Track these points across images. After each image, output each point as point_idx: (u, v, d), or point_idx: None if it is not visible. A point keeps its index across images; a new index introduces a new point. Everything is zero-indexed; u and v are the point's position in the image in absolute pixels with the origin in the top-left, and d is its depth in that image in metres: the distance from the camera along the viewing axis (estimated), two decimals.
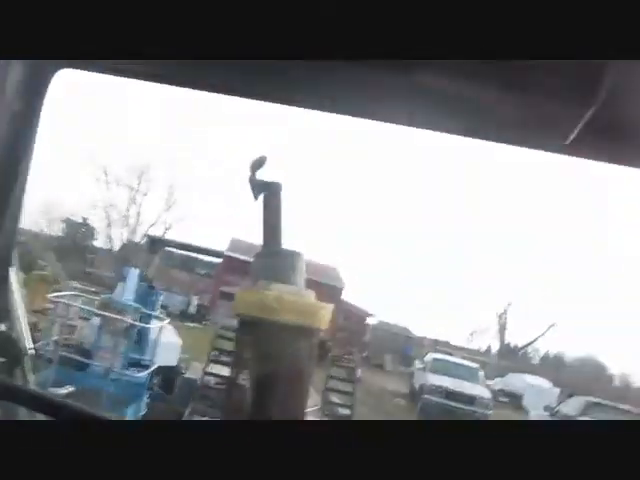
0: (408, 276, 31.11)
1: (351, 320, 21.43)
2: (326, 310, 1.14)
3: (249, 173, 1.42)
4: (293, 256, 1.34)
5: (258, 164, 1.36)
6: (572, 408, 10.22)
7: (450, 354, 19.11)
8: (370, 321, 24.94)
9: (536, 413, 11.84)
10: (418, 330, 26.23)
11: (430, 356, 15.77)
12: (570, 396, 11.39)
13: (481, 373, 14.96)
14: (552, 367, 26.15)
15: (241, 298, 1.15)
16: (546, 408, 10.43)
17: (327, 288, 19.79)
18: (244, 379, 1.09)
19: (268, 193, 1.39)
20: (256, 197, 1.42)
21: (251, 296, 1.14)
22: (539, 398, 14.48)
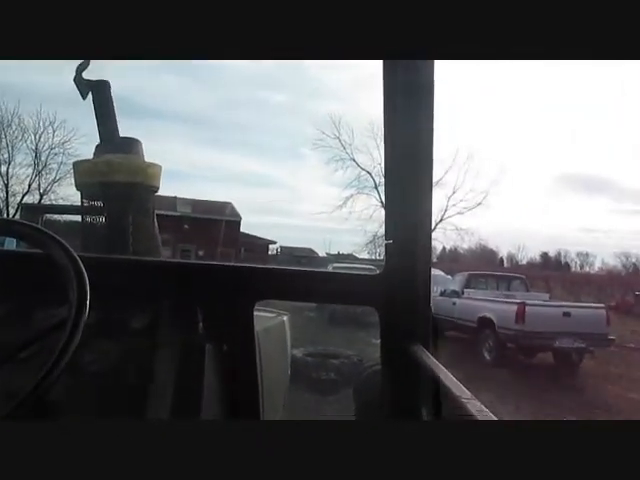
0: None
1: (254, 250, 21.76)
2: (154, 168, 1.36)
3: (75, 75, 1.56)
4: (129, 142, 1.53)
5: (83, 67, 1.51)
6: (457, 283, 11.40)
7: (352, 264, 20.08)
8: (274, 247, 25.43)
9: (433, 296, 13.03)
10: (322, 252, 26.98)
11: (330, 266, 16.59)
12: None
13: None
14: (448, 259, 28.22)
15: (78, 169, 1.35)
16: (441, 293, 11.50)
17: (225, 223, 19.88)
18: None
19: (96, 91, 1.55)
20: (84, 96, 1.58)
21: (85, 165, 1.34)
22: (435, 285, 15.89)
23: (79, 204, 1.49)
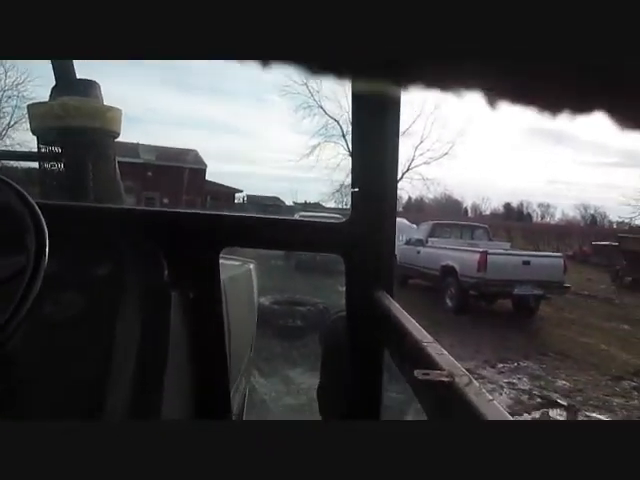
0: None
1: (219, 198, 21.52)
2: (114, 112, 1.31)
3: None
4: (86, 84, 1.46)
5: None
6: (422, 232, 11.60)
7: (319, 213, 20.12)
8: (240, 196, 25.21)
9: (398, 245, 13.27)
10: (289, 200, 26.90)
11: (297, 215, 16.62)
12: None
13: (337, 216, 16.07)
14: (414, 209, 28.56)
15: (33, 113, 1.29)
16: (406, 242, 11.65)
17: (190, 171, 19.52)
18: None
19: None
20: None
21: (41, 108, 1.28)
22: (400, 234, 16.13)
23: (36, 150, 1.43)
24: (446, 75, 0.24)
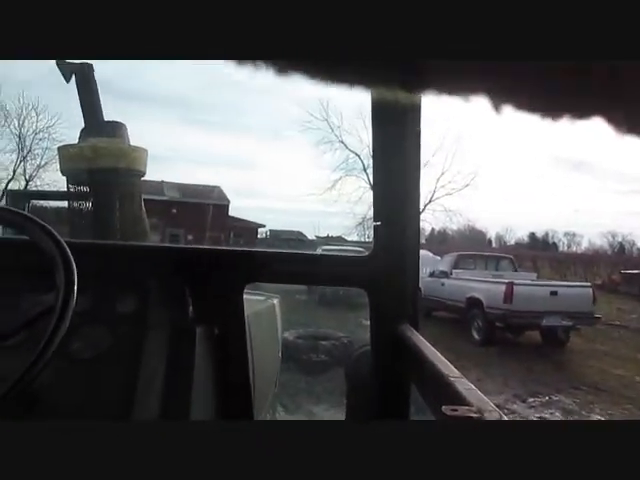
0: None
1: (242, 233, 21.72)
2: (140, 152, 1.35)
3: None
4: (114, 125, 1.51)
5: None
6: (446, 263, 11.48)
7: (341, 246, 20.14)
8: (263, 231, 25.41)
9: (422, 277, 13.14)
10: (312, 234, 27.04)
11: (319, 249, 16.64)
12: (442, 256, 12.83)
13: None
14: (437, 241, 28.39)
15: (63, 154, 1.33)
16: (430, 274, 11.54)
17: (213, 207, 19.81)
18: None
19: (79, 74, 1.52)
20: (68, 80, 1.55)
21: (70, 150, 1.32)
22: (424, 266, 16.00)
23: (65, 190, 1.47)
24: (462, 85, 0.25)
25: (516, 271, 11.59)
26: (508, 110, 0.24)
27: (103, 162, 1.30)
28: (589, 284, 10.14)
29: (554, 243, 31.16)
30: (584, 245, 30.28)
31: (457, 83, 0.26)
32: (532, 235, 31.23)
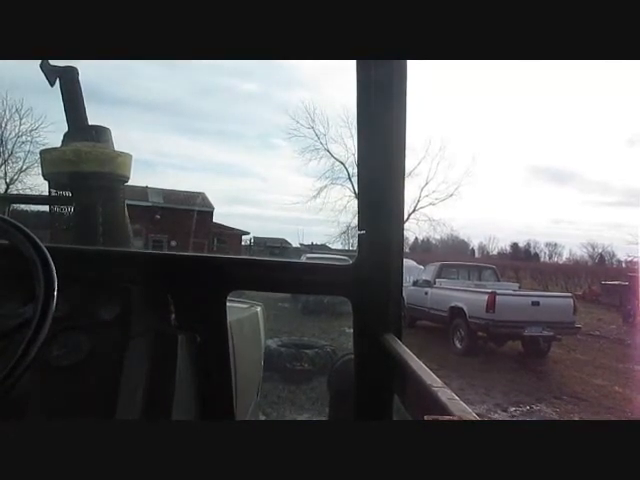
0: None
1: (227, 241, 21.62)
2: (124, 157, 1.34)
3: (41, 60, 1.51)
4: (98, 130, 1.50)
5: None
6: (429, 273, 11.53)
7: (325, 254, 20.09)
8: (247, 238, 25.31)
9: (405, 286, 13.18)
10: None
11: (304, 257, 16.59)
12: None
13: None
14: (420, 250, 28.47)
15: (45, 158, 1.31)
16: (413, 283, 11.58)
17: (197, 214, 19.69)
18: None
19: (63, 77, 1.50)
20: (52, 83, 1.53)
21: (53, 154, 1.31)
22: (407, 275, 16.04)
23: (47, 194, 1.45)
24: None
25: (499, 281, 11.67)
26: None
27: (86, 166, 1.28)
28: (570, 294, 10.25)
29: (536, 253, 31.51)
30: (565, 256, 30.67)
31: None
32: (514, 245, 31.55)
